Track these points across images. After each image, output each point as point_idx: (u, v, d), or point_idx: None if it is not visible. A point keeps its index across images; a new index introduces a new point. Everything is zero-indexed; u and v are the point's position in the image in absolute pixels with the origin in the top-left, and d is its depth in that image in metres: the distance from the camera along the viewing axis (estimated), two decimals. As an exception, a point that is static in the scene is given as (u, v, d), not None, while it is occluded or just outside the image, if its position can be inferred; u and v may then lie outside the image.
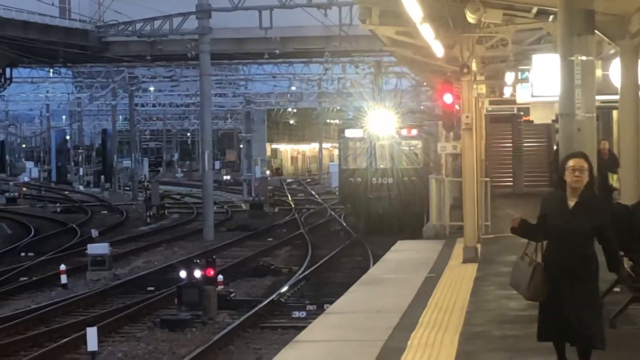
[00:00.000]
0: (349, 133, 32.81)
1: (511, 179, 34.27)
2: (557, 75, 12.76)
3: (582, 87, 11.10)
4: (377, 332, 11.53)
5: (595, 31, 12.19)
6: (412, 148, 32.46)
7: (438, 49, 18.02)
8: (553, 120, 24.67)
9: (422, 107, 55.04)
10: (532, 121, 29.36)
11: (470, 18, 16.04)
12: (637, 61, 14.36)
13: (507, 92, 25.93)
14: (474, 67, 19.13)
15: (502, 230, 21.76)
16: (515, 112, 30.59)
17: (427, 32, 16.33)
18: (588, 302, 6.85)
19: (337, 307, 14.25)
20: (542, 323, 7.28)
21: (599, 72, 13.47)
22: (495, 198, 26.57)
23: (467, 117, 18.20)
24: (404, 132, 32.02)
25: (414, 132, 32.31)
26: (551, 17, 14.83)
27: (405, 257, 19.12)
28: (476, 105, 20.71)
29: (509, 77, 24.06)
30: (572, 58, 11.42)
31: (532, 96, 20.69)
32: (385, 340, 11.01)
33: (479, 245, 18.32)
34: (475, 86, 20.19)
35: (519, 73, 23.23)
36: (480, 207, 19.70)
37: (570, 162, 6.70)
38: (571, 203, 6.92)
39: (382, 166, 31.96)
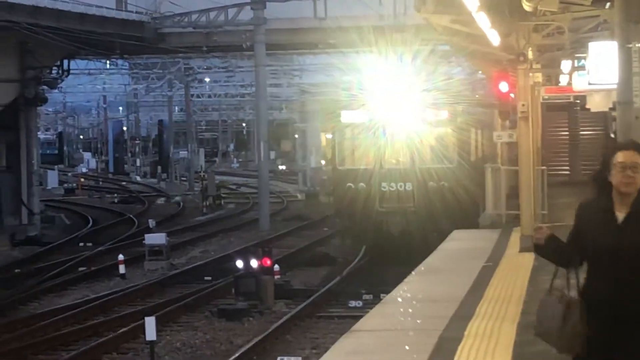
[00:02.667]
0: (346, 116, 22.84)
1: (568, 168, 34.21)
2: (614, 63, 12.91)
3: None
4: (434, 322, 11.65)
5: None
6: (441, 138, 23.02)
7: (494, 38, 18.17)
8: (610, 109, 24.89)
9: (476, 96, 47.99)
10: (589, 109, 29.11)
11: (527, 6, 16.39)
12: None
13: (563, 80, 26.03)
14: (530, 55, 19.18)
15: (560, 219, 21.91)
16: (572, 100, 30.52)
17: (483, 21, 16.46)
18: None
19: (394, 297, 14.46)
20: None
21: None
22: (552, 186, 26.01)
23: (523, 105, 18.20)
24: (430, 114, 22.53)
25: (444, 114, 22.68)
26: (608, 4, 14.86)
27: (461, 246, 19.40)
28: (532, 93, 20.72)
29: (566, 65, 24.08)
30: (630, 45, 11.52)
31: (589, 84, 21.04)
32: (442, 329, 11.13)
33: (534, 235, 19.10)
34: (531, 74, 20.08)
35: (576, 61, 23.28)
36: (536, 196, 19.69)
37: (620, 157, 4.54)
38: (620, 215, 4.68)
39: (397, 166, 22.77)
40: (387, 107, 22.28)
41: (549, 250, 4.90)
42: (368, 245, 23.60)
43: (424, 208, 22.09)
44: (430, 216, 21.98)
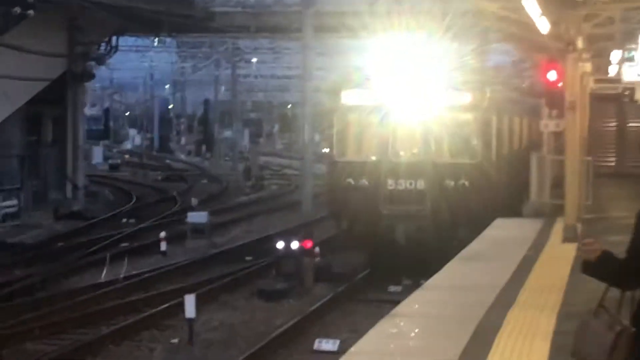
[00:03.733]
0: (347, 97, 18.64)
1: (614, 159, 33.89)
2: None
3: None
4: (474, 309, 11.75)
5: None
6: (463, 128, 19.05)
7: (543, 26, 18.34)
8: None
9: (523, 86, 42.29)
10: (638, 101, 30.17)
11: None
12: None
13: (612, 71, 26.37)
14: (579, 44, 19.26)
15: (605, 210, 22.47)
16: (621, 91, 30.32)
17: (533, 8, 16.77)
18: None
19: (434, 283, 14.50)
20: None
21: None
22: (597, 177, 25.48)
23: (571, 95, 18.35)
24: (451, 98, 18.33)
25: (467, 97, 18.49)
26: None
27: (504, 234, 19.45)
28: (580, 83, 20.80)
29: (615, 55, 24.38)
30: None
31: (639, 75, 22.36)
32: (481, 317, 11.25)
33: (579, 225, 18.34)
34: (580, 64, 20.10)
35: (626, 52, 23.63)
36: (581, 186, 19.57)
37: None
38: None
39: (406, 159, 18.73)
40: (397, 87, 17.85)
41: (602, 268, 4.28)
42: (371, 255, 20.02)
43: (439, 211, 18.04)
44: (446, 222, 17.98)
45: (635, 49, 21.58)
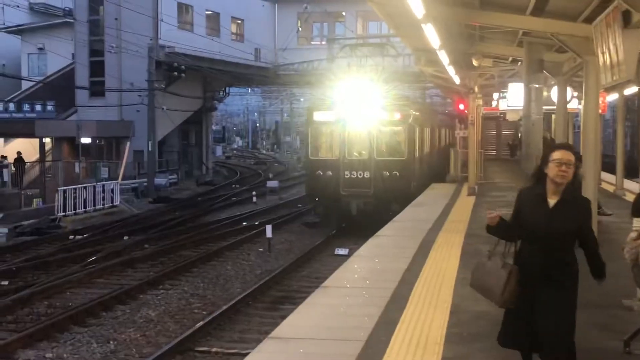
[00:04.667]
0: (318, 116, 23.97)
1: (495, 151, 48.58)
2: (521, 94, 19.64)
3: (535, 101, 18.44)
4: (421, 231, 15.10)
5: (544, 71, 19.57)
6: (395, 136, 24.03)
7: (456, 79, 24.56)
8: (518, 119, 33.30)
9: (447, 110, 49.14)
10: (507, 119, 41.51)
11: (475, 63, 21.52)
12: (566, 88, 22.37)
13: (494, 104, 34.92)
14: (476, 90, 24.70)
15: (489, 178, 28.86)
16: (498, 114, 41.42)
17: (451, 71, 22.19)
18: (567, 312, 5.40)
19: (399, 218, 18.24)
20: (509, 329, 5.70)
21: (545, 93, 19.41)
22: (486, 161, 34.33)
23: (471, 117, 24.49)
24: (386, 116, 23.32)
25: (397, 115, 23.32)
26: (519, 62, 19.98)
27: (436, 191, 24.20)
28: (476, 111, 25.72)
29: (495, 95, 33.18)
30: (530, 86, 18.84)
31: (507, 106, 29.62)
32: (424, 235, 14.42)
33: (476, 186, 23.17)
34: (476, 100, 25.73)
35: (501, 93, 31.62)
36: (477, 165, 24.94)
37: (556, 154, 5.41)
38: (552, 201, 5.40)
39: (356, 157, 23.59)
40: (350, 109, 22.53)
41: (499, 229, 5.55)
42: (334, 221, 23.46)
43: (379, 193, 22.18)
44: (383, 199, 22.04)
45: (506, 92, 28.83)
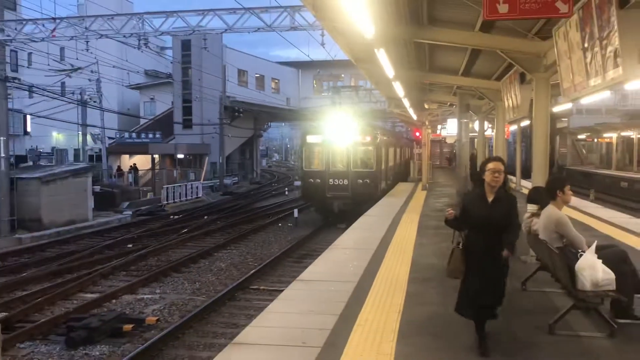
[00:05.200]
0: (310, 139, 21.50)
1: (439, 162, 47.13)
2: (455, 126, 19.72)
3: (464, 130, 18.18)
4: (391, 214, 14.60)
5: (470, 111, 18.06)
6: (366, 153, 21.48)
7: (414, 116, 24.33)
8: (454, 142, 30.88)
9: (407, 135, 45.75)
10: (447, 142, 40.49)
11: (426, 106, 22.19)
12: (484, 122, 20.64)
13: (438, 132, 34.51)
14: (426, 123, 24.78)
15: (435, 179, 28.05)
16: (441, 139, 39.39)
17: (411, 111, 22.31)
18: (501, 275, 5.05)
19: (377, 204, 17.60)
20: (463, 297, 5.15)
21: (470, 125, 19.80)
22: (434, 169, 34.33)
23: (423, 140, 24.83)
24: (359, 138, 21.14)
25: (368, 138, 21.32)
26: (454, 106, 19.91)
27: (402, 187, 23.49)
28: (427, 136, 25.69)
29: (439, 126, 33.04)
30: (461, 120, 18.67)
31: (447, 133, 30.31)
32: (394, 216, 14.01)
33: (427, 184, 23.00)
34: (427, 129, 25.67)
35: (443, 125, 31.92)
36: (416, 171, 25.39)
37: (490, 165, 5.09)
38: (489, 198, 5.06)
39: (338, 169, 21.28)
40: (333, 133, 20.65)
41: (453, 222, 5.09)
42: (322, 216, 21.44)
43: (355, 195, 20.31)
44: (357, 199, 20.20)
45: (446, 124, 29.61)
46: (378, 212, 14.82)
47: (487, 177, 4.99)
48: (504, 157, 15.39)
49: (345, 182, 20.77)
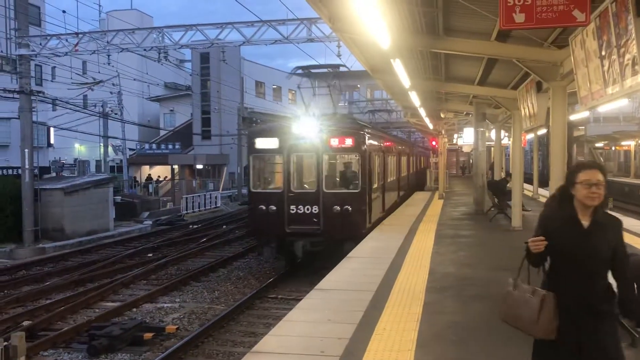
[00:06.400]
0: (260, 143, 12.98)
1: (455, 171, 47.74)
2: (472, 135, 19.42)
3: (481, 139, 18.14)
4: (410, 222, 14.31)
5: (486, 120, 17.67)
6: (347, 165, 13.41)
7: (430, 126, 24.41)
8: (470, 151, 31.75)
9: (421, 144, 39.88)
10: (464, 151, 39.69)
11: (442, 115, 21.77)
12: (501, 131, 19.91)
13: (454, 141, 34.16)
14: (443, 132, 24.66)
15: (452, 188, 27.77)
16: (458, 147, 39.11)
17: (427, 120, 22.20)
18: (613, 344, 3.14)
19: (395, 214, 17.28)
20: None
21: (487, 134, 19.37)
22: (451, 178, 34.54)
23: (440, 149, 24.72)
24: (335, 142, 12.66)
25: (349, 142, 12.62)
26: (470, 115, 19.69)
27: (419, 197, 23.04)
28: (443, 145, 25.44)
29: (455, 135, 32.50)
30: (478, 129, 18.56)
31: (463, 142, 29.74)
32: (411, 224, 13.83)
33: (444, 193, 22.72)
34: (443, 139, 25.57)
35: (459, 134, 31.13)
36: (444, 180, 24.61)
37: (583, 175, 3.16)
38: (585, 222, 3.23)
39: (303, 189, 13.04)
40: (297, 136, 12.86)
41: (534, 255, 3.30)
42: (278, 263, 14.16)
43: (329, 230, 12.57)
44: (334, 238, 12.53)
45: (462, 133, 29.00)
46: (394, 222, 14.65)
47: (580, 192, 3.22)
48: (520, 166, 14.99)
49: (315, 209, 12.74)
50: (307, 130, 12.76)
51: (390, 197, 17.16)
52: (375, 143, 14.28)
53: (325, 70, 17.02)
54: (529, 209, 15.68)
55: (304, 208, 12.93)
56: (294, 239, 12.63)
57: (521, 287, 3.34)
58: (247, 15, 54.96)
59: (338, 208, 12.71)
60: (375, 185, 13.69)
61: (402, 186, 20.47)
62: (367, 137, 13.10)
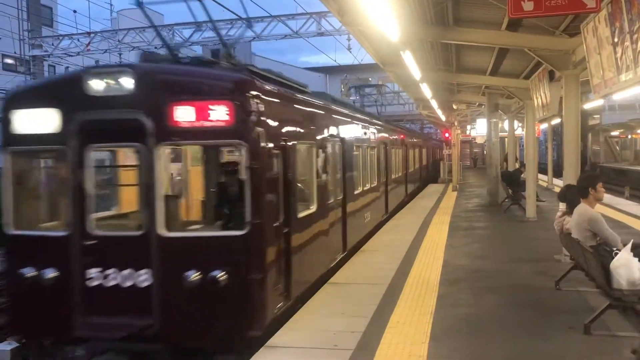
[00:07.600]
0: (23, 121, 4.69)
1: (469, 162, 46.50)
2: (485, 125, 19.31)
3: (494, 130, 17.92)
4: (423, 214, 14.42)
5: (499, 110, 17.45)
6: (230, 171, 5.73)
7: (443, 117, 24.47)
8: (484, 142, 30.85)
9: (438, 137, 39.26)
10: (477, 142, 40.44)
11: (454, 106, 21.63)
12: (514, 121, 19.85)
13: (467, 132, 33.65)
14: (455, 124, 24.68)
15: (466, 180, 27.53)
16: (471, 139, 39.12)
17: (440, 112, 22.25)
18: None
19: (409, 205, 17.04)
20: None
21: (500, 125, 19.02)
22: (464, 169, 33.50)
23: (453, 141, 24.73)
24: (184, 113, 4.54)
25: (219, 113, 4.55)
26: (483, 105, 19.64)
27: (433, 188, 22.98)
28: (456, 137, 25.42)
29: (468, 127, 32.20)
30: (491, 120, 18.34)
31: (477, 133, 29.90)
32: (425, 217, 13.84)
33: (457, 185, 22.56)
34: (456, 130, 25.56)
35: (472, 124, 30.95)
36: (458, 172, 24.54)
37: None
38: None
39: (116, 231, 4.93)
40: (94, 103, 5.07)
41: None
42: None
43: (173, 327, 4.92)
44: (184, 342, 4.96)
45: (475, 124, 28.96)
46: (407, 214, 14.58)
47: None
48: (534, 156, 15.12)
49: (142, 277, 5.22)
50: (119, 89, 5.30)
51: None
52: (301, 117, 6.78)
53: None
54: (543, 200, 15.62)
55: (117, 274, 5.27)
56: (94, 346, 5.34)
57: None
58: (257, 10, 54.57)
59: (197, 275, 5.14)
60: (302, 215, 6.60)
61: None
62: (265, 103, 5.41)
